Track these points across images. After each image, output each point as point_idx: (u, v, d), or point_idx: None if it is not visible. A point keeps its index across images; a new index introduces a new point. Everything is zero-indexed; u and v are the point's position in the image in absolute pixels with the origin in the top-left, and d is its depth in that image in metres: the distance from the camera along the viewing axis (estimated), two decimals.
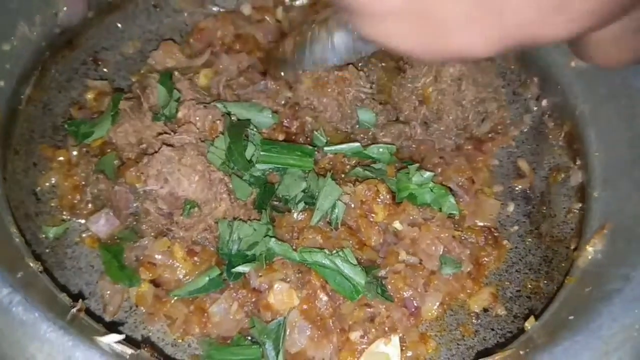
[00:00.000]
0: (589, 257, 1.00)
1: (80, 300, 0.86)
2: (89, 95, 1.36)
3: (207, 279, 1.11)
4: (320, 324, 1.09)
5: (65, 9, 1.25)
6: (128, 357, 0.76)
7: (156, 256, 1.13)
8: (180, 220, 1.14)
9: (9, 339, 0.71)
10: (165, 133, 1.20)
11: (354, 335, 1.10)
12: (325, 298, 1.09)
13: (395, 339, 1.10)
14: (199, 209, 1.13)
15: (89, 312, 1.01)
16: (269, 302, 1.08)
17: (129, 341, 0.85)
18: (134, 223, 1.17)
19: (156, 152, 1.15)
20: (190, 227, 1.14)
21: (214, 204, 1.14)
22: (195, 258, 1.15)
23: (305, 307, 1.09)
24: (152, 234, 1.15)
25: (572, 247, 1.17)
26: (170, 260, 1.13)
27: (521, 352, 0.83)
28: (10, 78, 1.14)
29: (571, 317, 0.86)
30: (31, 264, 0.90)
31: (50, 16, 1.23)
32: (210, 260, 1.15)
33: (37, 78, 1.24)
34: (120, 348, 0.76)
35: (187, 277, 1.13)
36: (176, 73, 1.28)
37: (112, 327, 0.96)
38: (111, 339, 0.76)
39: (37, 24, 1.20)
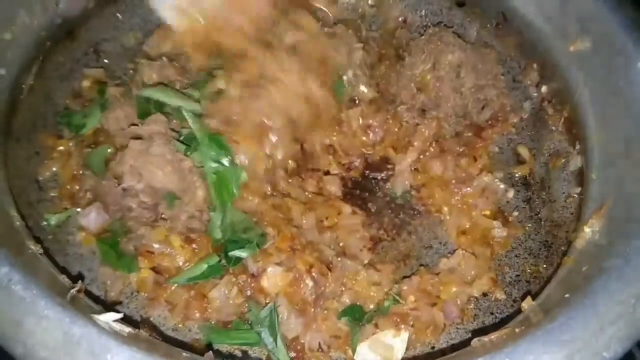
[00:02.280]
0: (587, 238, 1.00)
1: (80, 281, 0.86)
2: (85, 84, 1.35)
3: (205, 266, 1.12)
4: (301, 308, 1.09)
5: None
6: (126, 334, 0.77)
7: (154, 245, 1.13)
8: (165, 211, 1.13)
9: (8, 316, 0.72)
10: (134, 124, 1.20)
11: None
12: (310, 283, 1.08)
13: (404, 335, 1.08)
14: (179, 199, 1.12)
15: (90, 295, 1.01)
16: (262, 286, 1.09)
17: (129, 323, 0.86)
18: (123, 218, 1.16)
19: (125, 147, 1.14)
20: (175, 218, 1.13)
21: (191, 193, 1.13)
22: (194, 245, 1.15)
23: (289, 290, 1.09)
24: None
25: (572, 231, 1.17)
26: (169, 249, 1.13)
27: (517, 330, 0.83)
28: (12, 67, 1.15)
29: (567, 295, 0.86)
30: (32, 247, 0.91)
31: (50, 6, 1.24)
32: (209, 247, 1.15)
33: (38, 68, 1.25)
34: (118, 327, 0.77)
35: (187, 264, 1.14)
36: (164, 58, 1.28)
37: (113, 310, 0.96)
38: (109, 317, 0.76)
39: (38, 13, 1.20)
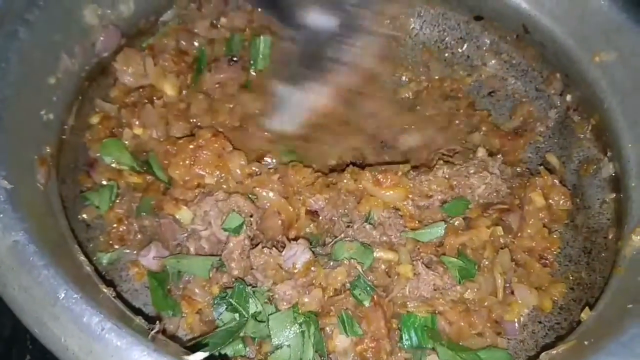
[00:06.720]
0: (637, 246, 1.04)
1: (158, 322, 0.88)
2: (94, 120, 1.32)
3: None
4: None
5: (101, 39, 1.28)
6: None
7: (196, 290, 1.12)
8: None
9: None
10: None
11: None
12: (389, 347, 1.05)
13: None
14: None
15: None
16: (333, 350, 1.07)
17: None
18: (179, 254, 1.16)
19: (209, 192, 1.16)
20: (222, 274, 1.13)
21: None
22: None
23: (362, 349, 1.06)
24: None
25: (610, 237, 1.21)
26: (210, 299, 1.11)
27: (585, 343, 0.86)
28: (58, 110, 1.17)
29: (630, 306, 0.89)
30: (104, 290, 0.92)
31: (88, 47, 1.26)
32: None
33: (78, 108, 1.26)
34: None
35: None
36: None
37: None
38: (198, 357, 0.79)
39: (78, 55, 1.22)
